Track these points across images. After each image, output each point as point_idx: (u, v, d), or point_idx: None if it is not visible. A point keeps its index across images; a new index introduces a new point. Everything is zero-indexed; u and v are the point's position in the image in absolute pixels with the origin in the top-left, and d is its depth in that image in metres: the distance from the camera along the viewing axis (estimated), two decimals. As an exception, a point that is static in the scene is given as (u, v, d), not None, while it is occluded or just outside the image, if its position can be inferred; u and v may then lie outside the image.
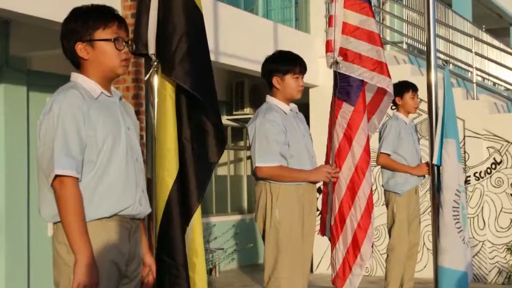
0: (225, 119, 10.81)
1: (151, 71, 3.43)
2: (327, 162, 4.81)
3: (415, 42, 11.88)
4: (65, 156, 2.71)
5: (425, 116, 7.34)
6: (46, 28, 6.50)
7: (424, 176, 6.42)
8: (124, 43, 2.93)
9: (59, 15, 3.29)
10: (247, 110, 10.85)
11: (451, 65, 11.87)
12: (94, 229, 2.75)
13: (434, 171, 4.88)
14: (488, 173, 9.25)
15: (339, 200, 4.68)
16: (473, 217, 9.18)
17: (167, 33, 3.38)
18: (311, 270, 9.65)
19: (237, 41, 8.84)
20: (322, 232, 4.89)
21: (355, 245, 4.64)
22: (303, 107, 7.65)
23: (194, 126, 3.44)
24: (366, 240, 4.64)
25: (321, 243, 6.40)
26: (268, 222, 4.46)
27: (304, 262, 4.52)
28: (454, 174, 4.80)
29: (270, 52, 4.80)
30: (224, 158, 11.03)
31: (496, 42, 14.46)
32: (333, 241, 4.72)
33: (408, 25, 11.98)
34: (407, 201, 6.34)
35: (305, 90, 7.02)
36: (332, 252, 4.74)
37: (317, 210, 4.73)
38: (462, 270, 4.74)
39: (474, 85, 10.33)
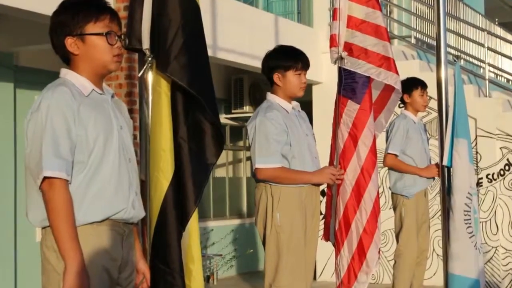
0: (223, 118, 10.82)
1: (145, 67, 3.43)
2: (331, 163, 4.81)
3: (424, 37, 11.89)
4: (54, 157, 2.71)
5: (435, 114, 7.34)
6: (34, 22, 6.50)
7: (433, 178, 6.42)
8: (116, 38, 2.93)
9: (48, 8, 3.29)
10: (247, 108, 10.86)
11: (462, 60, 11.88)
12: (84, 234, 2.75)
13: (444, 173, 4.88)
14: (502, 175, 9.25)
15: (343, 204, 4.68)
16: (486, 222, 9.18)
17: (162, 27, 3.38)
18: (314, 278, 9.65)
19: (236, 35, 8.84)
20: (326, 237, 4.89)
21: (361, 251, 4.64)
22: (306, 105, 7.65)
23: (190, 125, 3.44)
24: (373, 245, 4.64)
25: (325, 249, 6.40)
26: (269, 226, 4.46)
27: (306, 269, 4.52)
28: (465, 176, 4.80)
29: (271, 47, 4.81)
30: (222, 159, 11.04)
31: (509, 37, 14.47)
32: (337, 247, 4.72)
33: (417, 19, 11.99)
34: (415, 205, 6.34)
35: (308, 87, 7.03)
36: (336, 258, 4.74)
37: (321, 214, 4.73)
38: (473, 277, 4.75)
39: (487, 81, 10.34)
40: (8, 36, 7.63)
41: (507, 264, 9.15)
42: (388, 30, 6.03)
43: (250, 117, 4.72)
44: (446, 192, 4.84)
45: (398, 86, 4.86)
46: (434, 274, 9.00)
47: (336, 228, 4.72)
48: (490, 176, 9.27)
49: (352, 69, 4.73)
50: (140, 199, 3.00)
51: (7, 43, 7.68)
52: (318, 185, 4.61)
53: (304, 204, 4.49)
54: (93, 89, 2.90)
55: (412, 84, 6.48)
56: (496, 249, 9.17)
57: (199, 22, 3.51)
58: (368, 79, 4.75)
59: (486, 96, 10.08)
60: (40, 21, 6.08)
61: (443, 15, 4.94)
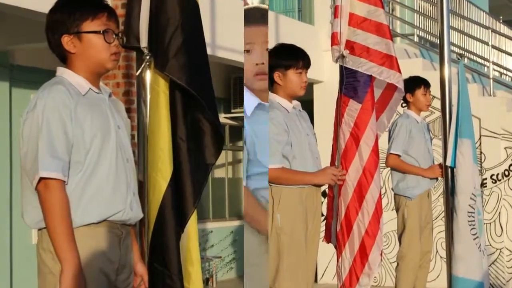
0: (222, 117, 10.82)
1: (143, 65, 3.43)
2: (332, 163, 4.81)
3: (427, 35, 11.89)
4: (51, 157, 2.71)
5: (438, 114, 7.34)
6: (30, 20, 6.50)
7: (437, 179, 6.42)
8: (114, 36, 2.93)
9: (44, 6, 3.29)
10: (247, 107, 10.84)
11: (466, 59, 11.88)
12: (81, 235, 2.75)
13: (448, 174, 4.88)
14: (506, 176, 9.25)
15: (345, 205, 4.68)
16: (490, 223, 9.18)
17: (161, 24, 3.38)
18: (315, 280, 9.63)
19: (236, 33, 8.82)
20: (327, 239, 4.89)
21: (363, 253, 4.64)
22: (307, 104, 7.65)
23: (189, 124, 3.44)
24: (375, 247, 4.64)
25: (326, 251, 6.40)
26: (269, 228, 4.45)
27: (307, 271, 4.52)
28: (469, 176, 4.80)
29: (271, 45, 4.80)
30: (221, 159, 11.04)
31: (514, 35, 14.46)
32: (339, 249, 4.72)
33: (420, 16, 11.99)
34: (418, 206, 6.33)
35: (309, 86, 7.03)
36: (338, 260, 4.74)
37: (322, 215, 4.73)
38: (477, 279, 4.75)
39: (491, 80, 10.34)
40: (4, 34, 7.63)
41: (511, 267, 9.14)
42: (391, 28, 6.03)
43: (250, 116, 4.72)
44: (450, 193, 4.84)
45: (400, 85, 4.86)
46: (438, 276, 9.00)
47: (338, 230, 4.72)
48: (494, 177, 9.26)
49: (353, 68, 4.73)
50: (138, 200, 3.00)
51: (2, 41, 7.68)
52: (320, 185, 4.60)
53: (305, 205, 4.49)
54: (90, 88, 2.90)
55: (415, 83, 6.47)
56: (500, 251, 9.17)
57: (198, 20, 3.51)
58: (370, 78, 4.75)
59: (490, 95, 10.08)
60: (37, 19, 6.08)
61: (446, 12, 4.95)
